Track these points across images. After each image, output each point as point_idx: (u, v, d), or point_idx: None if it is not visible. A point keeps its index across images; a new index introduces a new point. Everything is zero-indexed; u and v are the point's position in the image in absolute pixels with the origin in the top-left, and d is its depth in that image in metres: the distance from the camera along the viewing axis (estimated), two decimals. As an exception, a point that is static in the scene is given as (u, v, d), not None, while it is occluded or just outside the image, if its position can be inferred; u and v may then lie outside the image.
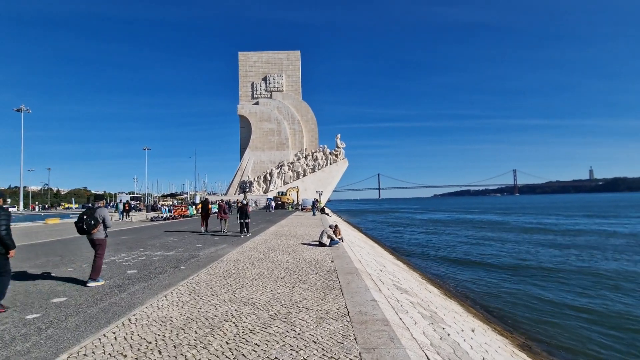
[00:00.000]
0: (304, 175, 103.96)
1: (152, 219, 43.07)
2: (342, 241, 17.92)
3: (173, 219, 43.76)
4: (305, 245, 16.80)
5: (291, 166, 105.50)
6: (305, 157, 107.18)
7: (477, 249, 31.66)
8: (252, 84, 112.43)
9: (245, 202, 22.60)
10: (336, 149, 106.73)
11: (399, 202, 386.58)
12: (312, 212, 48.58)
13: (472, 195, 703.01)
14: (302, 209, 63.97)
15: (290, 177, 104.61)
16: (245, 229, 21.81)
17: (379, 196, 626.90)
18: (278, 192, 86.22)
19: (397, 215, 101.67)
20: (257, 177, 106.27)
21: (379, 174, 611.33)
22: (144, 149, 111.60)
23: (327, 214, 50.41)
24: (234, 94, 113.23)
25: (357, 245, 21.85)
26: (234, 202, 64.01)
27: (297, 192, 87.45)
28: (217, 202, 28.82)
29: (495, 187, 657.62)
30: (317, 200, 56.53)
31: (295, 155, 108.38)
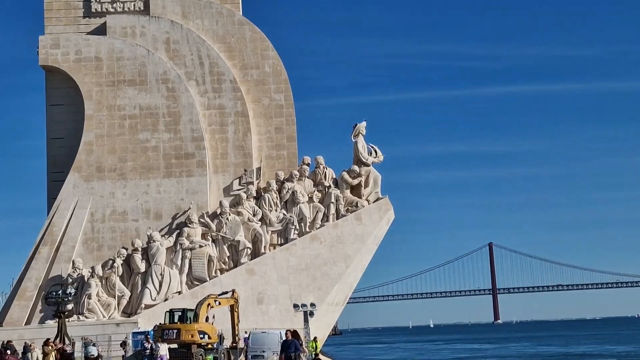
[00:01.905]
0: (256, 252, 33.25)
1: None
2: None
3: None
4: None
5: (211, 224, 33.85)
6: (260, 195, 36.03)
7: None
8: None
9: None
10: (356, 168, 35.92)
11: (574, 336, 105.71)
12: None
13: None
14: None
15: (210, 259, 33.27)
16: None
17: (497, 317, 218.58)
18: (169, 313, 24.29)
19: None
20: (105, 266, 34.06)
21: (490, 245, 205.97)
22: None
23: None
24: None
25: None
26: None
27: (232, 306, 26.17)
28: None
29: None
30: (300, 340, 18.50)
31: (230, 189, 36.70)
